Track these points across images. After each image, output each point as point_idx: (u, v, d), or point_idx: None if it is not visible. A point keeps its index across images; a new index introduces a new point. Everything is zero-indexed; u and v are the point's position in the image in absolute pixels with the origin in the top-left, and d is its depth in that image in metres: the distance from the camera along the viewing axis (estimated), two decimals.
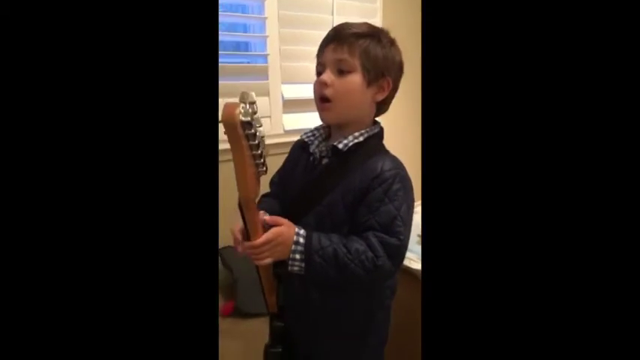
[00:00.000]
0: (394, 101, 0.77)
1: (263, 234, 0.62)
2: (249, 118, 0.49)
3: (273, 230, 0.63)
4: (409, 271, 1.03)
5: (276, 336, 0.72)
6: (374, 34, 0.69)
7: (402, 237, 0.64)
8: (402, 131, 1.61)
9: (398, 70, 0.72)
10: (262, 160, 0.57)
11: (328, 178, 0.70)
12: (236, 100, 0.51)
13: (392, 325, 0.78)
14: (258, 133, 0.53)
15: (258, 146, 0.54)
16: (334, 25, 0.74)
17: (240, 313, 1.16)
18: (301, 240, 0.63)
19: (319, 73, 0.71)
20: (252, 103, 0.50)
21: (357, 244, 0.63)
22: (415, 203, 0.86)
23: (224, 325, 1.11)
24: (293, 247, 0.63)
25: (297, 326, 0.73)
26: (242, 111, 0.49)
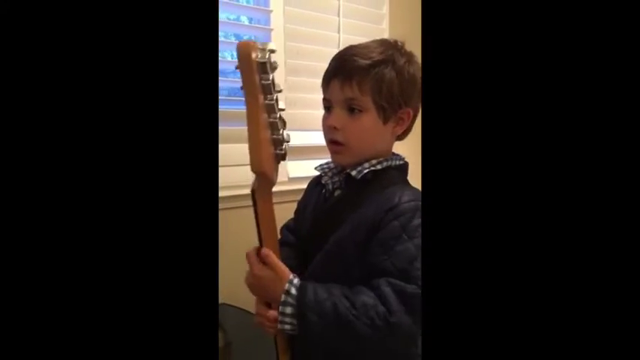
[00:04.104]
0: None
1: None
2: (265, 60, 0.43)
3: (260, 270, 0.53)
4: None
5: None
6: (386, 59, 0.59)
7: (420, 283, 0.51)
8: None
9: (419, 93, 0.61)
10: (280, 136, 0.48)
11: (339, 210, 0.60)
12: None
13: None
14: (274, 91, 0.45)
15: (273, 107, 0.45)
16: None
17: None
18: (293, 291, 0.52)
19: (327, 108, 0.62)
20: (272, 51, 0.44)
21: (365, 297, 0.51)
22: None
23: None
24: (283, 297, 0.52)
25: None
26: (259, 53, 0.43)
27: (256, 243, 0.68)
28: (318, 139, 0.70)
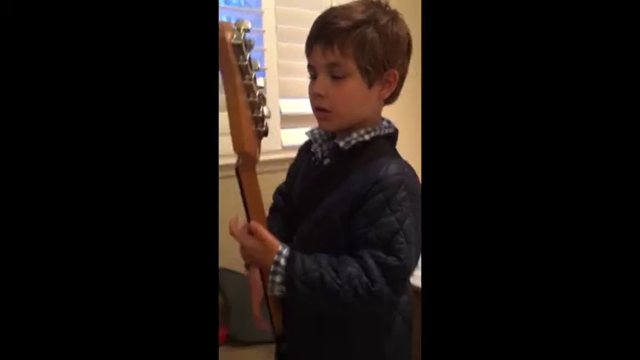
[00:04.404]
0: None
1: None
2: (240, 42, 0.44)
3: (248, 241, 0.57)
4: (416, 290, 0.95)
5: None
6: (368, 19, 0.58)
7: (402, 256, 0.55)
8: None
9: (405, 53, 0.62)
10: (260, 114, 0.50)
11: (327, 180, 0.62)
12: None
13: None
14: (252, 70, 0.46)
15: (251, 87, 0.47)
16: None
17: (233, 341, 1.09)
18: (282, 262, 0.55)
19: (312, 76, 0.62)
20: (247, 30, 0.45)
21: (350, 267, 0.54)
22: None
23: None
24: (273, 267, 0.55)
25: (301, 350, 0.65)
26: (234, 34, 0.44)
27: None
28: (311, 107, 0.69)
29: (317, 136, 0.69)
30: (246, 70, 0.46)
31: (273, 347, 0.86)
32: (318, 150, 0.67)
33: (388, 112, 0.70)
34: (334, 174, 0.62)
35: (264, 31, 1.27)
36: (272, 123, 1.35)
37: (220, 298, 1.16)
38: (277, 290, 0.56)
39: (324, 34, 0.59)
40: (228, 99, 0.47)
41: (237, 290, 1.15)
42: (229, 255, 1.04)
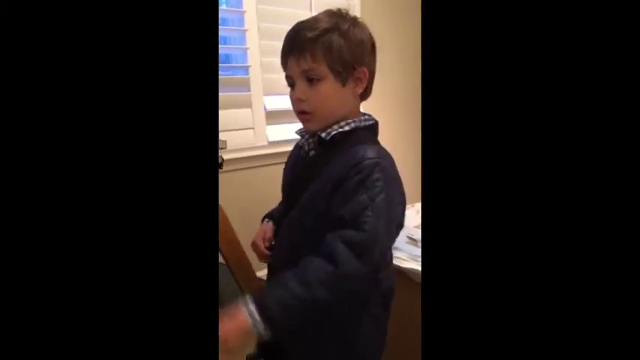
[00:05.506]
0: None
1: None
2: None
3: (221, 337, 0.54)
4: (400, 271, 0.99)
5: (264, 349, 0.67)
6: (332, 27, 0.64)
7: (367, 227, 0.58)
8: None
9: (370, 52, 0.68)
10: None
11: (311, 169, 0.67)
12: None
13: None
14: None
15: None
16: None
17: None
18: (256, 316, 0.56)
19: (291, 85, 0.69)
20: None
21: (312, 265, 0.57)
22: (415, 205, 0.80)
23: None
24: (252, 327, 0.56)
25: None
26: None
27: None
28: None
29: (304, 132, 0.75)
30: None
31: None
32: (305, 144, 0.73)
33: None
34: (317, 163, 0.68)
35: (246, 30, 1.30)
36: (257, 120, 1.39)
37: None
38: (266, 336, 0.57)
39: (296, 45, 0.65)
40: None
41: (221, 279, 1.19)
42: None
